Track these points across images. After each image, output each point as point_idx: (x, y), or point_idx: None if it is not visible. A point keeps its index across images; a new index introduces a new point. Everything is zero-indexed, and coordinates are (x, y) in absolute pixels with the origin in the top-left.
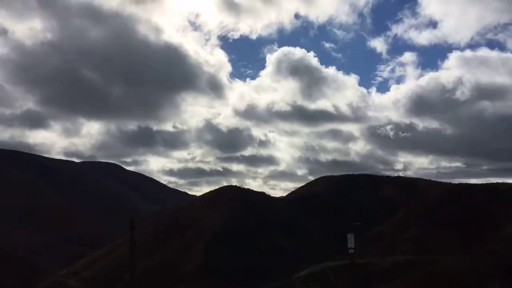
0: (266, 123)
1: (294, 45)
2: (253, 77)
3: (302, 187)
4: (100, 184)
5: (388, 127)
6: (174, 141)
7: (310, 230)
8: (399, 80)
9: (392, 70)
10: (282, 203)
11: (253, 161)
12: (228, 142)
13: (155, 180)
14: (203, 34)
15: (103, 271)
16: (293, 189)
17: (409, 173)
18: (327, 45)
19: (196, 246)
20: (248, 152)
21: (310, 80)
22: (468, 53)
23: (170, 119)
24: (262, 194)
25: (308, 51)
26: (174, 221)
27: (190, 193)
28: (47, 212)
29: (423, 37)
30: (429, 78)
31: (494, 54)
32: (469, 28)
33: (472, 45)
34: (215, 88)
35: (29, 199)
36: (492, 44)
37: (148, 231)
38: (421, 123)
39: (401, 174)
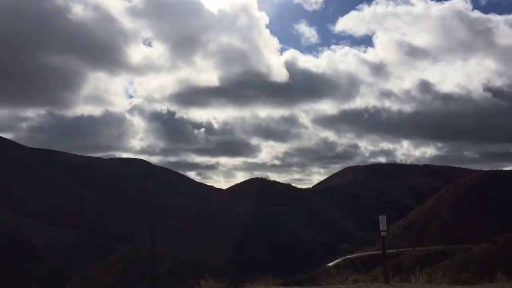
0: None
1: None
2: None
3: (328, 178)
4: (128, 180)
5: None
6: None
7: (338, 221)
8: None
9: None
10: (309, 194)
11: (216, 151)
12: (173, 129)
13: (181, 174)
14: None
15: (133, 265)
16: (290, 182)
17: (397, 161)
18: None
19: (225, 239)
20: (206, 140)
21: None
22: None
23: (86, 102)
24: (288, 186)
25: None
26: (203, 214)
27: (215, 186)
28: (77, 208)
29: None
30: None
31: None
32: None
33: None
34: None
35: (60, 197)
36: None
37: (177, 226)
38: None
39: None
